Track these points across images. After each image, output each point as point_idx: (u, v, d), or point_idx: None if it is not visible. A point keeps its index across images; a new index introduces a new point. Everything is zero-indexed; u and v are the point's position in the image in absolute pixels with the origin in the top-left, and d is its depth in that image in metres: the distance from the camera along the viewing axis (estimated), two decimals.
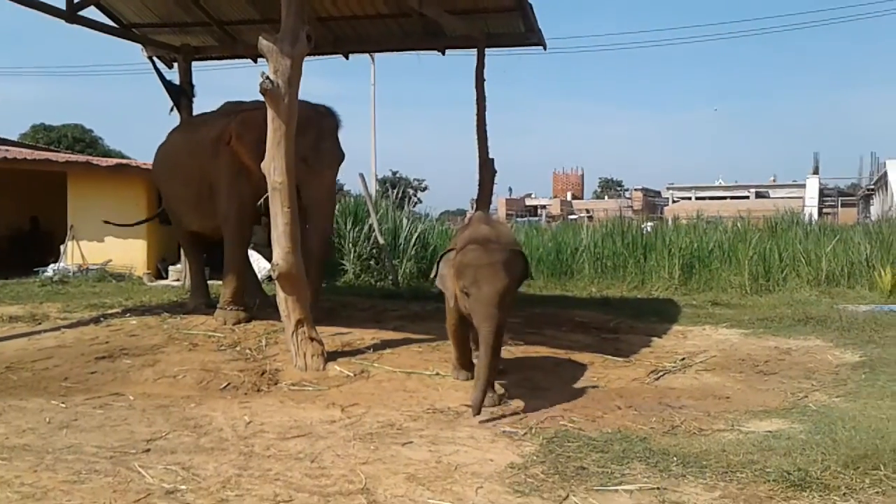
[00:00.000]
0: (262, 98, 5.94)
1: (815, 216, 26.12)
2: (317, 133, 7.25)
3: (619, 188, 65.59)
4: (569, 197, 56.54)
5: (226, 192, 7.49)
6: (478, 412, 4.68)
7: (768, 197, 44.58)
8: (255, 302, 7.97)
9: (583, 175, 65.34)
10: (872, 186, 36.26)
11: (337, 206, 9.10)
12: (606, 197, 58.95)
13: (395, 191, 17.42)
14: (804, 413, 4.81)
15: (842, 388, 5.50)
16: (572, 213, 42.53)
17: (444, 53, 10.39)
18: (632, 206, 42.97)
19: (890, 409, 4.82)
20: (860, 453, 3.82)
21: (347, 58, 10.96)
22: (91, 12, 9.58)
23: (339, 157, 7.63)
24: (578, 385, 5.62)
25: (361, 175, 13.75)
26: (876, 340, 7.26)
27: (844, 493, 3.41)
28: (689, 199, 47.03)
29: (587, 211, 41.32)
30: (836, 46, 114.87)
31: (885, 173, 31.14)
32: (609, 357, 6.57)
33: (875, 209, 32.86)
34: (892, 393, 5.24)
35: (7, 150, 14.40)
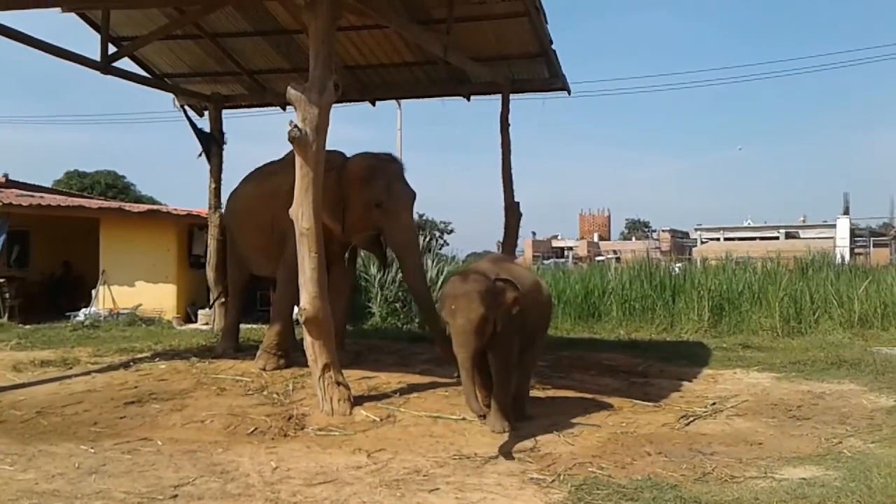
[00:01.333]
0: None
1: (847, 257, 25.72)
2: (386, 178, 7.37)
3: (646, 229, 65.22)
4: (595, 238, 56.32)
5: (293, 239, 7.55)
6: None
7: (798, 237, 44.03)
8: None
9: (609, 216, 65.21)
10: None
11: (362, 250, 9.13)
12: (634, 238, 58.66)
13: (423, 233, 17.48)
14: (838, 459, 4.71)
15: (877, 434, 5.38)
16: (599, 255, 42.33)
17: (468, 99, 10.51)
18: (659, 248, 42.60)
19: None
20: (894, 500, 3.73)
21: (374, 104, 11.12)
22: (125, 63, 9.85)
23: (412, 196, 7.59)
24: (607, 430, 5.54)
25: None
26: None
27: None
28: (718, 239, 46.55)
29: (614, 252, 41.12)
30: (863, 86, 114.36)
31: None
32: (638, 401, 6.49)
33: None
34: None
35: (42, 197, 14.73)
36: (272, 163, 8.52)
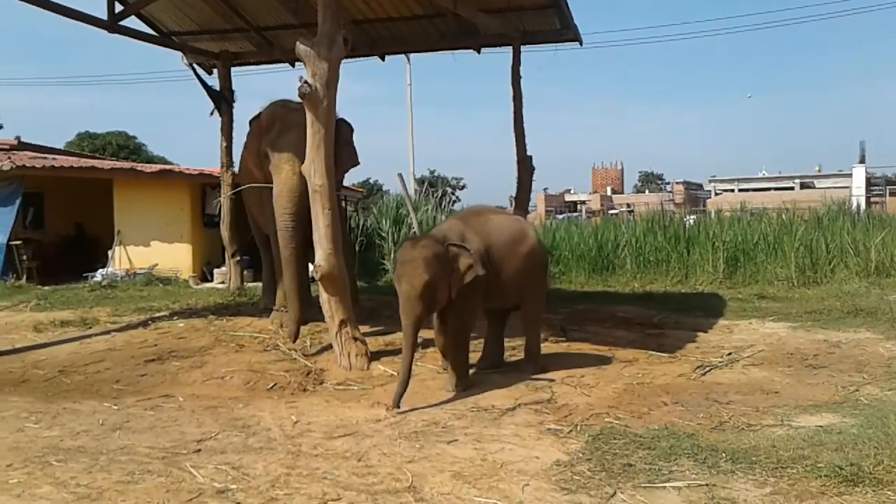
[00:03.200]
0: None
1: (863, 206, 25.49)
2: (280, 128, 7.27)
3: (659, 182, 64.82)
4: (609, 192, 56.04)
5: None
6: (395, 406, 4.82)
7: (814, 187, 43.59)
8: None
9: (622, 169, 64.78)
10: None
11: (376, 207, 9.12)
12: (647, 191, 58.34)
13: (434, 190, 17.43)
14: (856, 407, 4.72)
15: (894, 382, 5.38)
16: (612, 208, 42.17)
17: (479, 52, 10.37)
18: (673, 200, 42.42)
19: None
20: None
21: (384, 59, 11.00)
22: (132, 21, 9.76)
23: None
24: (623, 382, 5.57)
25: (400, 175, 13.80)
26: None
27: None
28: (732, 191, 46.21)
29: (628, 205, 40.95)
30: (880, 33, 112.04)
31: None
32: (654, 353, 6.52)
33: None
34: None
35: (55, 159, 14.76)
36: None
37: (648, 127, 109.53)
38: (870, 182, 38.68)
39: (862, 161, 39.90)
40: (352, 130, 7.80)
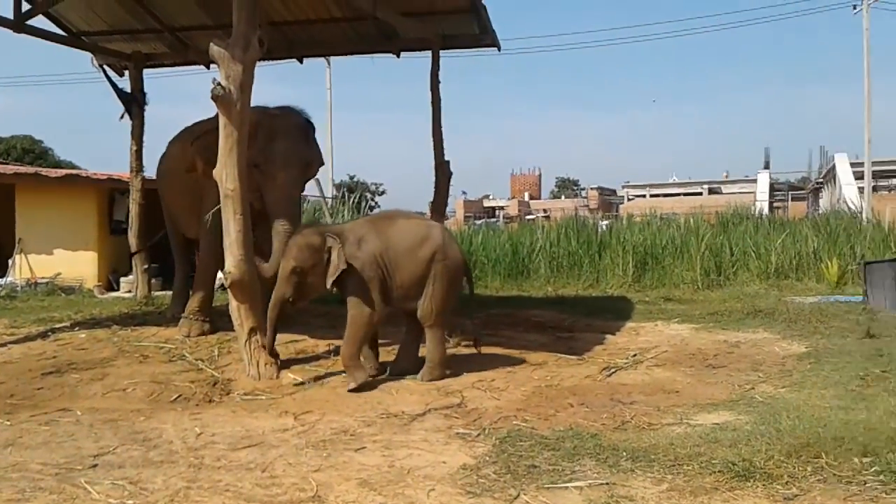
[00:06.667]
0: None
1: (766, 210, 26.64)
2: (267, 137, 6.87)
3: (575, 187, 66.00)
4: (526, 197, 56.74)
5: (209, 202, 7.31)
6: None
7: (721, 193, 45.30)
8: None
9: (540, 175, 65.64)
10: (821, 180, 37.10)
11: None
12: (563, 196, 59.34)
13: (353, 195, 17.36)
14: (750, 405, 4.92)
15: (787, 379, 5.64)
16: (530, 214, 42.76)
17: (399, 56, 10.37)
18: (588, 206, 43.37)
19: (833, 398, 4.97)
20: (803, 442, 3.93)
21: (302, 62, 10.87)
22: (40, 21, 9.38)
23: (301, 157, 7.02)
24: (532, 384, 5.66)
25: (317, 180, 13.69)
26: (821, 331, 7.46)
27: (787, 482, 3.49)
28: (644, 196, 47.59)
29: (544, 211, 41.58)
30: (784, 42, 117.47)
31: (834, 167, 31.84)
32: (563, 356, 6.65)
33: (824, 202, 33.62)
34: (836, 382, 5.40)
35: None
36: (200, 122, 8.28)
37: (566, 132, 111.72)
38: (773, 187, 40.42)
39: (766, 167, 41.70)
40: (314, 129, 7.45)
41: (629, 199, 47.89)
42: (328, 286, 5.62)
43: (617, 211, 37.12)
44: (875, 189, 29.64)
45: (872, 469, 3.59)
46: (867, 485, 3.45)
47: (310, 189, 12.38)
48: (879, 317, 8.19)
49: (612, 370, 6.14)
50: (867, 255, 11.85)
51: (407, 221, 6.15)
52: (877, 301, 8.94)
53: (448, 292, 5.89)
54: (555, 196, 63.00)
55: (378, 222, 6.05)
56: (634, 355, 6.67)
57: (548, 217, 29.45)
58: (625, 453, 3.93)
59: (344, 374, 5.79)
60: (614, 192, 54.86)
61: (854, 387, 5.24)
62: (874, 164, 27.96)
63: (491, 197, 57.23)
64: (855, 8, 29.51)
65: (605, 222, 18.01)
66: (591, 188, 54.11)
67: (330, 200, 15.11)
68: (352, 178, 46.27)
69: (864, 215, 16.73)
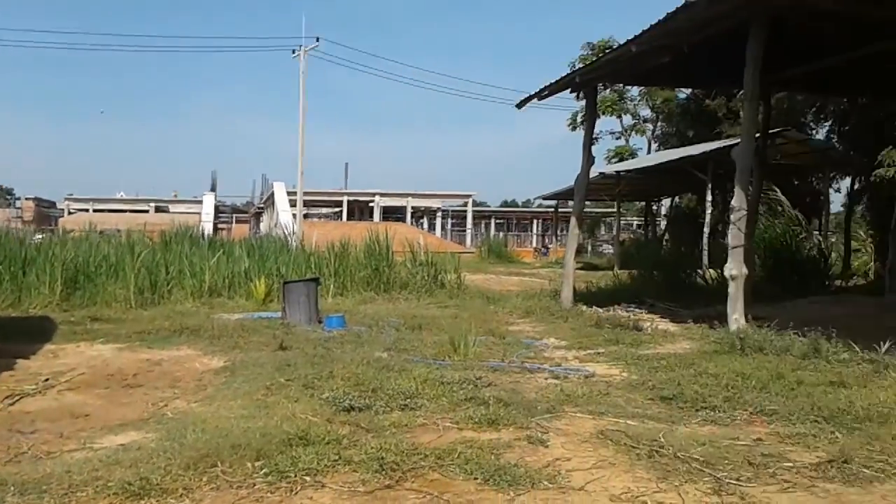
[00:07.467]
0: None
1: (210, 231, 27.47)
2: None
3: (9, 197, 59.95)
4: None
5: None
6: None
7: (168, 212, 45.40)
8: None
9: None
10: (262, 205, 39.97)
11: None
12: None
13: None
14: (160, 422, 4.97)
15: (202, 394, 5.84)
16: None
17: None
18: (22, 217, 39.41)
19: (239, 408, 5.29)
20: (203, 454, 4.10)
21: None
22: None
23: None
24: None
25: None
26: (241, 346, 7.93)
27: (181, 495, 3.60)
28: (88, 210, 45.12)
29: None
30: (231, 75, 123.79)
31: (273, 193, 34.57)
32: None
33: (264, 225, 36.23)
34: (245, 393, 5.76)
35: None
36: None
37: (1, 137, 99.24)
38: (219, 209, 42.07)
39: (213, 189, 43.19)
40: None
41: (70, 213, 44.99)
42: None
43: (55, 224, 34.49)
44: (306, 216, 33.08)
45: (262, 471, 3.90)
46: (256, 486, 3.75)
47: None
48: (294, 330, 9.02)
49: (17, 397, 5.62)
50: (292, 275, 13.02)
51: None
52: (293, 316, 9.85)
53: None
54: None
55: None
56: (46, 380, 6.20)
57: None
58: (13, 487, 3.61)
59: None
60: (54, 204, 51.27)
61: (260, 396, 5.63)
62: (306, 193, 31.21)
63: None
64: (294, 52, 32.82)
65: (39, 236, 16.53)
66: (27, 199, 49.71)
67: None
68: None
69: (293, 239, 18.27)
